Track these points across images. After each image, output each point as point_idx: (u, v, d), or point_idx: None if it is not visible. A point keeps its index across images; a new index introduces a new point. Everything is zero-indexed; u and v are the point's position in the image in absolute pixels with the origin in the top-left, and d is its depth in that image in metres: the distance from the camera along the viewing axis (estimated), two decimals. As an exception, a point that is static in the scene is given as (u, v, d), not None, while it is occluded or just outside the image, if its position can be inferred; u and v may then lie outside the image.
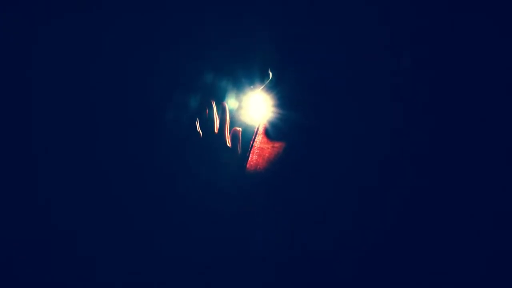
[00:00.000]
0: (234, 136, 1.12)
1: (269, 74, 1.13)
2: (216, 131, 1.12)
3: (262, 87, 1.13)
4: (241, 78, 1.15)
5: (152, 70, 1.25)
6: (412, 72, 1.09)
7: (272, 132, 1.12)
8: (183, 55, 1.25)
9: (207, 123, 1.11)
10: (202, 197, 1.09)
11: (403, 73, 1.10)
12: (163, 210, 1.15)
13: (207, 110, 1.12)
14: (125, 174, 1.22)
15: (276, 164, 1.09)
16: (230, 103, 1.16)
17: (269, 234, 1.06)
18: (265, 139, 1.12)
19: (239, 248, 1.07)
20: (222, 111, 1.12)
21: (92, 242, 1.23)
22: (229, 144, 1.13)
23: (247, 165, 1.10)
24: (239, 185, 1.09)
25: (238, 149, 1.12)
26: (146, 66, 1.26)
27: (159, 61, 1.25)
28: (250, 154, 1.11)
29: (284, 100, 1.11)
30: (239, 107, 1.15)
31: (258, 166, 1.10)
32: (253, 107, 1.15)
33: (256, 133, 1.13)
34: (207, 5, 1.27)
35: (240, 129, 1.13)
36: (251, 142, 1.12)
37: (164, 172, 1.17)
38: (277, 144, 1.10)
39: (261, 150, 1.11)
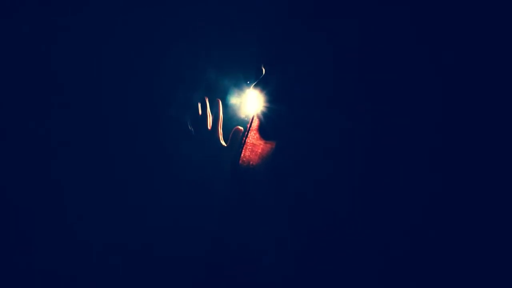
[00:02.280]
0: (234, 135, 1.13)
1: (262, 70, 1.13)
2: (209, 127, 1.13)
3: (255, 83, 1.13)
4: (234, 74, 1.16)
5: (147, 68, 1.27)
6: (407, 70, 1.09)
7: (265, 128, 1.11)
8: (177, 53, 1.26)
9: (201, 119, 1.12)
10: (195, 193, 1.09)
11: (396, 70, 1.09)
12: (155, 206, 1.16)
13: (201, 107, 1.12)
14: (119, 171, 1.23)
15: (269, 160, 1.09)
16: (224, 99, 1.16)
17: (262, 230, 1.06)
18: (258, 135, 1.12)
19: (231, 244, 1.07)
20: (215, 107, 1.13)
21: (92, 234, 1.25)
22: (222, 140, 1.13)
23: (240, 161, 1.10)
24: (231, 180, 1.09)
25: (235, 146, 1.13)
26: (141, 65, 1.28)
27: (154, 60, 1.27)
28: (243, 150, 1.11)
29: (277, 96, 1.11)
30: (233, 103, 1.15)
31: (251, 162, 1.10)
32: (246, 103, 1.15)
33: (249, 129, 1.13)
34: (203, 5, 1.28)
35: (242, 128, 1.13)
36: (244, 138, 1.12)
37: (156, 168, 1.18)
38: (270, 140, 1.10)
39: (253, 146, 1.11)
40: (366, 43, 1.08)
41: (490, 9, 1.08)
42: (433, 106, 1.07)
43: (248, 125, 1.13)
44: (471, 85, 1.07)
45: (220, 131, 1.14)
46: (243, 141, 1.11)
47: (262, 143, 1.10)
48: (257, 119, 1.13)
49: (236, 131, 1.13)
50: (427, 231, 1.03)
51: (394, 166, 1.04)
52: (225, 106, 1.15)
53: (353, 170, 1.04)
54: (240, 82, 1.16)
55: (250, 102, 1.14)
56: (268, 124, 1.11)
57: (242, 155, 1.10)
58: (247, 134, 1.12)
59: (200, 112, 1.13)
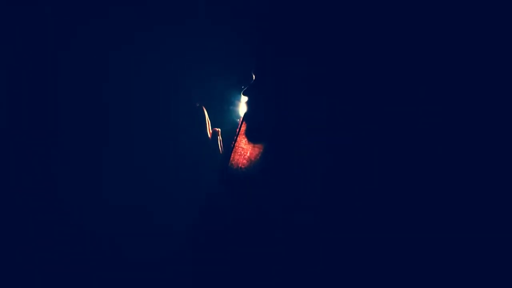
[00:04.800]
0: (214, 136, 1.17)
1: (252, 76, 1.16)
2: (198, 131, 1.16)
3: (245, 89, 1.16)
4: (225, 80, 1.18)
5: (144, 74, 1.30)
6: (407, 71, 1.10)
7: (253, 133, 1.14)
8: (175, 59, 1.29)
9: (191, 123, 1.16)
10: (184, 194, 1.13)
11: (393, 72, 1.10)
12: (146, 207, 1.19)
13: (193, 111, 1.16)
14: (113, 170, 1.27)
15: (257, 163, 1.11)
16: (214, 104, 1.19)
17: (248, 231, 1.09)
18: (246, 140, 1.15)
19: (219, 244, 1.10)
20: (204, 112, 1.16)
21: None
22: (211, 144, 1.17)
23: (229, 164, 1.13)
24: (219, 183, 1.12)
25: (220, 148, 1.17)
26: (138, 70, 1.31)
27: (148, 62, 1.30)
28: (232, 154, 1.14)
29: (265, 102, 1.14)
30: (222, 108, 1.19)
31: (240, 165, 1.12)
32: (236, 108, 1.18)
33: (238, 133, 1.16)
34: (199, 12, 1.31)
35: (219, 129, 1.17)
36: (233, 142, 1.15)
37: (149, 170, 1.21)
38: (258, 145, 1.13)
39: (242, 150, 1.14)
40: (358, 47, 1.10)
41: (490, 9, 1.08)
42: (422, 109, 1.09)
43: (237, 129, 1.16)
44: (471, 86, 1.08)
45: (209, 134, 1.17)
46: (232, 145, 1.15)
47: (250, 146, 1.13)
48: (245, 123, 1.16)
49: (214, 132, 1.16)
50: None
51: (386, 167, 1.06)
52: (216, 110, 1.18)
53: (341, 172, 1.06)
54: (230, 87, 1.19)
55: (239, 107, 1.17)
56: (257, 129, 1.13)
57: (231, 158, 1.13)
58: (236, 138, 1.15)
59: (192, 116, 1.16)
